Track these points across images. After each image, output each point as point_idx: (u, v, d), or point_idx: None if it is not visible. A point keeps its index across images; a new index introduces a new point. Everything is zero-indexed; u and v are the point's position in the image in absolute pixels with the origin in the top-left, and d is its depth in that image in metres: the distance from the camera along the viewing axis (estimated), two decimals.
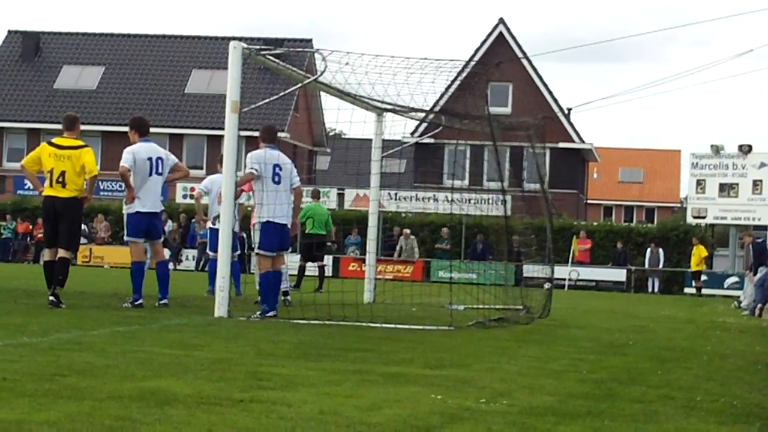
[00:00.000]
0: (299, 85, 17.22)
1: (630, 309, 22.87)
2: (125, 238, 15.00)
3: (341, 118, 67.69)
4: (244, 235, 19.79)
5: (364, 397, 6.80)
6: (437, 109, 34.80)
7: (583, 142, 56.78)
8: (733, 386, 8.44)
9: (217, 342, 10.14)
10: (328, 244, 26.43)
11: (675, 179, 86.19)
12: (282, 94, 18.22)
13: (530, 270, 21.93)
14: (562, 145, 54.88)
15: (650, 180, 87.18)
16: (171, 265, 21.14)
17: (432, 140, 42.71)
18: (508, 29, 56.63)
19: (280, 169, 13.87)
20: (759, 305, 21.82)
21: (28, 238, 44.15)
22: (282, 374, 7.77)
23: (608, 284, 40.77)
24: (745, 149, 41.74)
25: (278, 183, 13.82)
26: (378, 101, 17.43)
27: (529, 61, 56.17)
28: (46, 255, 14.34)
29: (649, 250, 41.29)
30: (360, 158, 19.90)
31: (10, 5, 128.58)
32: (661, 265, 41.05)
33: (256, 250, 14.02)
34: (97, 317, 12.54)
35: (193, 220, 39.36)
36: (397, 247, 41.38)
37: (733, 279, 39.44)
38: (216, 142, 51.28)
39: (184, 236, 42.41)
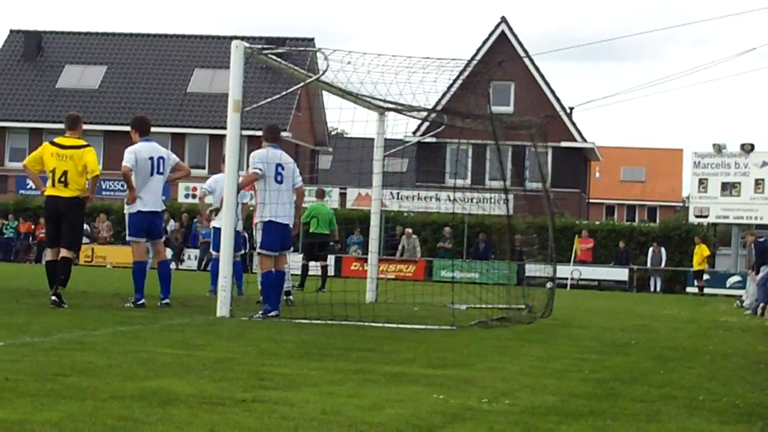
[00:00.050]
0: (301, 84, 17.19)
1: (632, 308, 22.86)
2: (127, 237, 15.01)
3: (343, 118, 67.86)
4: (246, 235, 19.76)
5: (366, 397, 6.80)
6: (439, 108, 34.84)
7: (585, 141, 56.73)
8: (736, 386, 8.43)
9: (220, 342, 10.13)
10: (331, 243, 26.41)
11: (677, 178, 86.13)
12: (284, 93, 18.14)
13: (532, 269, 21.94)
14: (564, 144, 54.84)
15: (652, 179, 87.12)
16: (173, 265, 21.18)
17: (434, 139, 42.68)
18: (510, 28, 56.57)
19: (283, 169, 13.85)
20: (761, 304, 21.80)
21: (31, 238, 44.16)
22: (284, 374, 7.77)
23: (610, 283, 40.73)
24: (747, 148, 41.73)
25: (280, 182, 13.79)
26: (380, 100, 17.43)
27: (531, 60, 56.14)
28: (48, 255, 14.32)
29: (651, 249, 41.23)
30: (362, 157, 19.87)
31: (12, 5, 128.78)
32: (663, 265, 41.00)
33: (257, 250, 13.99)
34: (99, 317, 12.54)
35: (195, 220, 39.38)
36: (400, 247, 41.38)
37: (736, 278, 39.41)
38: (218, 141, 51.27)
39: (186, 236, 42.41)
